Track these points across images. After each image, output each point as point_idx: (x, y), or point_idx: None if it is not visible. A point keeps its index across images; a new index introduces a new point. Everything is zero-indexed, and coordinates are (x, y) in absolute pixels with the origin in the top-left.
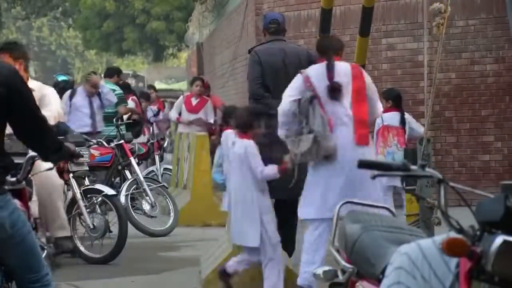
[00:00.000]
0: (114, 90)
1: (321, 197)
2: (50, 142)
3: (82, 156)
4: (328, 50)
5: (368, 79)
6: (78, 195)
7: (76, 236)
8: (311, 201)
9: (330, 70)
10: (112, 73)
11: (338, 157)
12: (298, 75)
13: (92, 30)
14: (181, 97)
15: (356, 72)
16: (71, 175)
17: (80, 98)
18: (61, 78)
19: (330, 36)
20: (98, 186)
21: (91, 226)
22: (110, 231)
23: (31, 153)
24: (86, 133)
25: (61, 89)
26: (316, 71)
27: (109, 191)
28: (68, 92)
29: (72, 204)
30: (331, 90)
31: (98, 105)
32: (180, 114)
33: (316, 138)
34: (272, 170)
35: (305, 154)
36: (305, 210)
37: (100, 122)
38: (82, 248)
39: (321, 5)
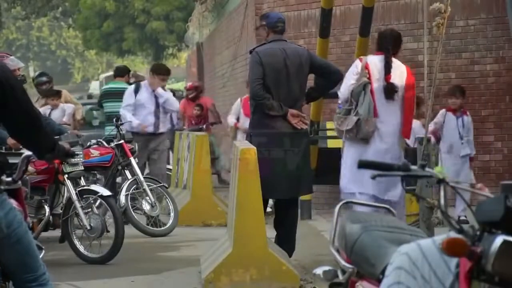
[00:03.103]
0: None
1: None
2: (45, 140)
3: (78, 155)
4: (388, 48)
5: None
6: (74, 196)
7: (74, 237)
8: (354, 177)
9: (387, 70)
10: (123, 72)
11: (384, 143)
12: (357, 60)
13: (92, 30)
14: (238, 100)
15: (409, 74)
16: (66, 176)
17: (146, 94)
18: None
19: (391, 30)
20: (94, 187)
21: (88, 227)
22: (108, 231)
23: (27, 152)
24: (148, 134)
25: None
26: (374, 63)
27: (105, 192)
28: (132, 87)
29: (68, 204)
30: (387, 91)
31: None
32: (238, 119)
33: (358, 121)
34: None
35: (346, 133)
36: (346, 184)
37: (164, 123)
38: (80, 248)
39: (321, 5)
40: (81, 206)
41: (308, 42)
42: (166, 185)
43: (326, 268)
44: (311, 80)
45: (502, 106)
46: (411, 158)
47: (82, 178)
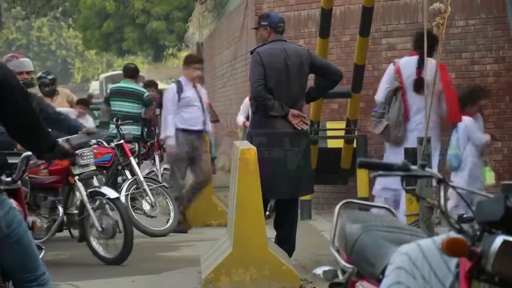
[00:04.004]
0: (142, 92)
1: None
2: (44, 140)
3: (77, 155)
4: (421, 46)
5: (449, 77)
6: (85, 198)
7: (91, 237)
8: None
9: (419, 65)
10: (134, 73)
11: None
12: (391, 64)
13: (92, 30)
14: (247, 99)
15: (442, 71)
16: (76, 177)
17: (190, 91)
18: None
19: (428, 31)
20: (103, 189)
21: (100, 229)
22: (120, 231)
23: (26, 152)
24: (197, 131)
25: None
26: (407, 64)
27: (112, 194)
28: (174, 88)
29: (83, 205)
30: (416, 84)
31: (206, 96)
32: (248, 118)
33: (387, 126)
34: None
35: (379, 136)
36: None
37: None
38: (97, 248)
39: (321, 5)
40: (92, 208)
41: (308, 42)
42: (166, 185)
43: (326, 268)
44: (311, 80)
45: (502, 106)
46: (411, 158)
47: (95, 178)
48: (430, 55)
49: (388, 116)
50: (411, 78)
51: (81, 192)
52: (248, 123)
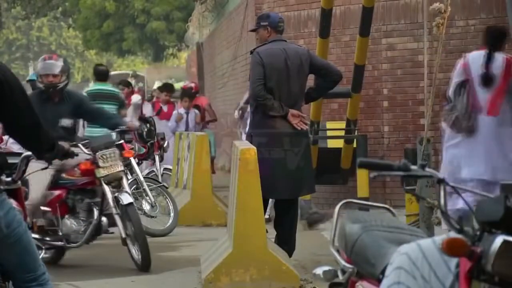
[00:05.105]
0: (117, 93)
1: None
2: (44, 140)
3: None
4: (490, 41)
5: None
6: (111, 203)
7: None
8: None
9: (488, 60)
10: (106, 75)
11: (483, 136)
12: (461, 59)
13: (92, 30)
14: (247, 93)
15: (508, 66)
16: (102, 180)
17: None
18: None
19: (494, 27)
20: (121, 195)
21: (124, 235)
22: None
23: (26, 152)
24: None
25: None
26: (475, 58)
27: (127, 199)
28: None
29: None
30: (484, 79)
31: None
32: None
33: (457, 117)
34: None
35: (451, 128)
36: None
37: None
38: (133, 252)
39: (321, 5)
40: (117, 214)
41: (308, 42)
42: (166, 185)
43: (326, 268)
44: (311, 80)
45: None
46: (411, 158)
47: (124, 179)
48: (499, 50)
49: (457, 108)
50: (478, 73)
51: (107, 197)
52: None
